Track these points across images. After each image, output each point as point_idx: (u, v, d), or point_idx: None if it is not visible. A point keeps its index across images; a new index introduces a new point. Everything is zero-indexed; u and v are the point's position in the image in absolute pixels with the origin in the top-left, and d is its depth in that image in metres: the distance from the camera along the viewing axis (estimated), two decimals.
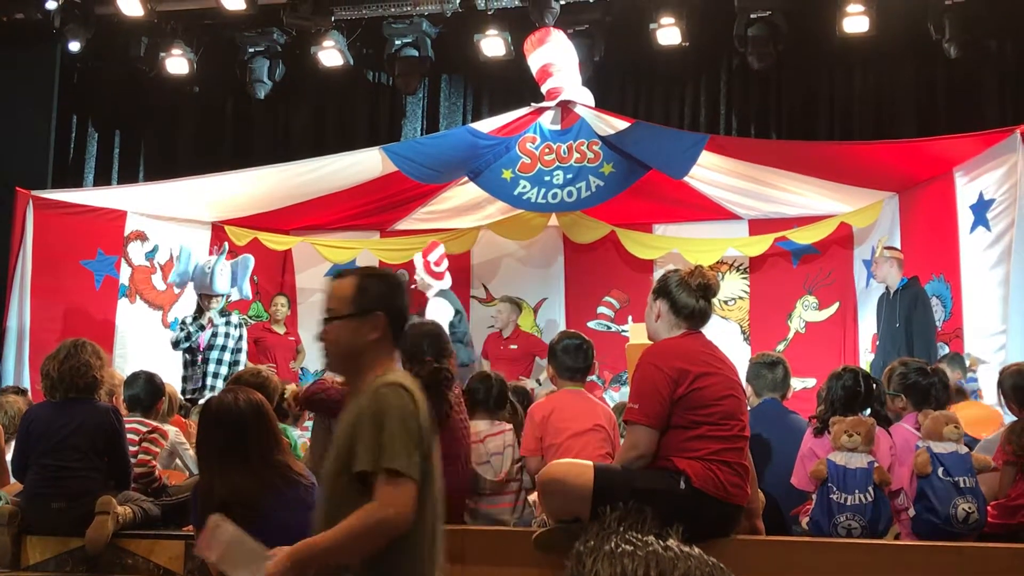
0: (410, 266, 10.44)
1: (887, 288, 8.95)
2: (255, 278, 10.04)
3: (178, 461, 6.80)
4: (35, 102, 11.94)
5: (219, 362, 8.83)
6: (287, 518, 3.67)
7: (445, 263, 10.04)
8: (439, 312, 9.60)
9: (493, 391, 5.69)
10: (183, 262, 9.61)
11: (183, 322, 9.28)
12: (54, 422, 5.57)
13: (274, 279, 11.73)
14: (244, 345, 9.23)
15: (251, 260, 9.75)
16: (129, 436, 6.02)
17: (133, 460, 6.06)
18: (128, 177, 12.70)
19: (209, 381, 8.71)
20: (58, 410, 5.62)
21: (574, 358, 5.65)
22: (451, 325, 9.46)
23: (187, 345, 8.97)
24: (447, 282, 10.02)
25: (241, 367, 9.08)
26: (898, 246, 9.35)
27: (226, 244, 9.48)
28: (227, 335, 8.92)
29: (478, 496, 5.37)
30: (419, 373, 5.14)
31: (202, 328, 8.98)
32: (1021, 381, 5.51)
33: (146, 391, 6.50)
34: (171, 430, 6.74)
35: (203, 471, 3.97)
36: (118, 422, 5.71)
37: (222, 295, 9.17)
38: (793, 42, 10.93)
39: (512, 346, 10.58)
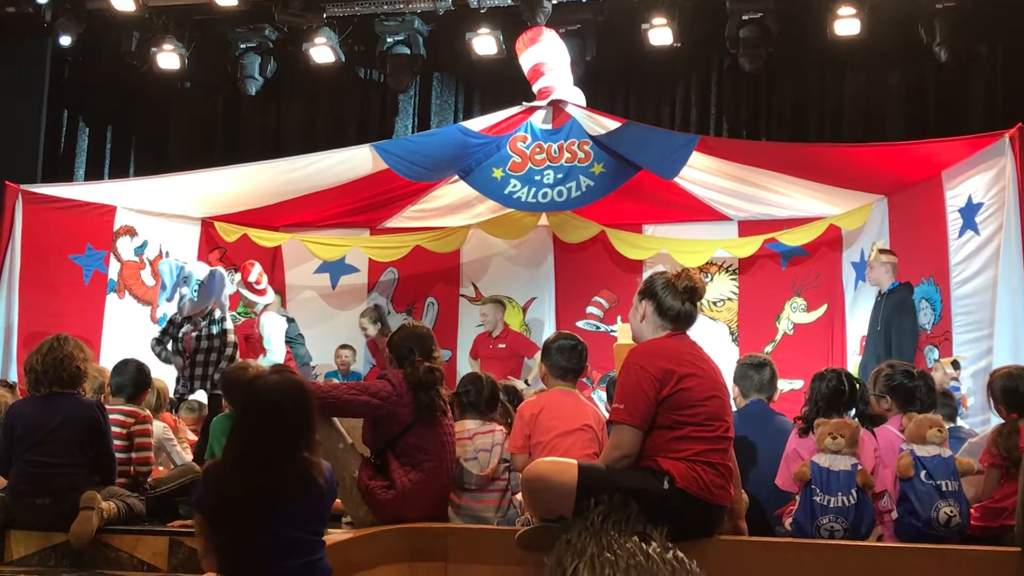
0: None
1: (879, 291, 9.01)
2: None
3: (165, 456, 6.80)
4: (26, 96, 11.94)
5: (206, 363, 8.75)
6: (301, 515, 3.62)
7: (264, 280, 10.12)
8: (273, 323, 10.00)
9: (484, 393, 5.73)
10: (167, 282, 9.52)
11: (164, 331, 9.06)
12: (38, 417, 5.56)
13: None
14: (231, 338, 9.09)
15: (223, 277, 9.59)
16: (116, 428, 6.02)
17: (139, 454, 6.09)
18: (119, 172, 12.70)
19: (198, 384, 8.65)
20: (42, 405, 5.61)
21: (568, 358, 5.67)
22: (288, 331, 10.09)
23: (160, 349, 8.83)
24: (270, 296, 10.19)
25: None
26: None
27: (192, 273, 9.29)
28: (210, 335, 8.84)
29: (463, 491, 5.40)
30: (412, 373, 5.18)
31: (179, 327, 8.83)
32: (1010, 384, 5.52)
33: (133, 380, 6.50)
34: (159, 426, 6.74)
35: (228, 451, 3.75)
36: (103, 417, 5.71)
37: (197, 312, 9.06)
38: (784, 44, 10.96)
39: (500, 345, 10.59)
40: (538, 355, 10.17)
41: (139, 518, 5.71)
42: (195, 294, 8.64)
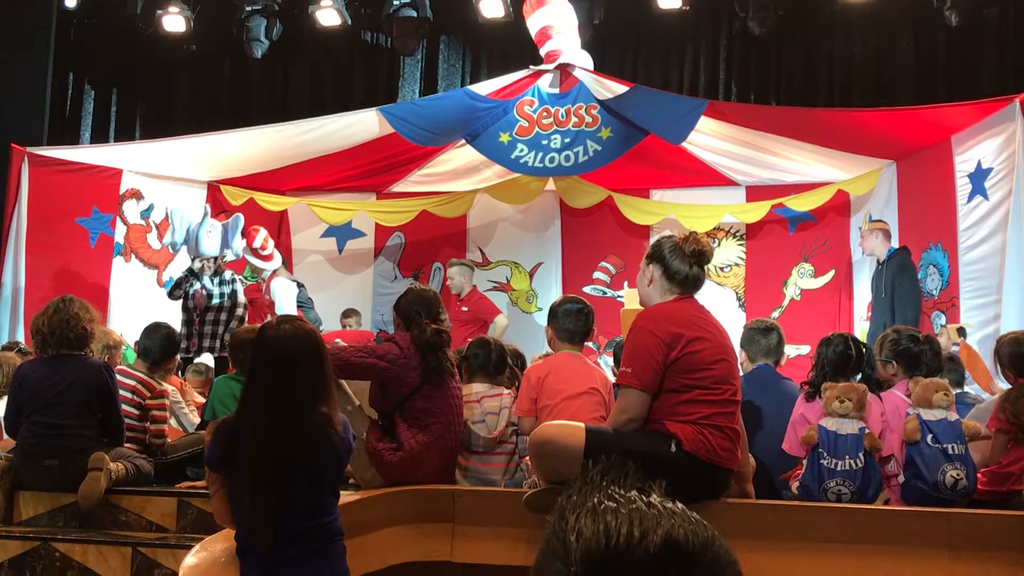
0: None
1: (877, 260, 9.05)
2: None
3: (173, 421, 6.82)
4: (31, 59, 11.87)
5: (216, 323, 8.79)
6: (318, 472, 3.54)
7: (270, 245, 10.03)
8: (284, 289, 9.87)
9: (492, 356, 5.74)
10: (177, 226, 9.55)
11: (178, 281, 9.08)
12: (46, 379, 5.58)
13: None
14: (242, 299, 9.12)
15: (241, 219, 9.68)
16: (129, 395, 6.04)
17: (155, 426, 6.11)
18: (125, 135, 12.68)
19: (207, 343, 8.67)
20: (50, 367, 5.63)
21: (574, 321, 5.66)
22: (298, 296, 9.98)
23: (180, 293, 8.83)
24: (277, 261, 10.10)
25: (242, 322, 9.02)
26: (895, 215, 9.39)
27: (207, 207, 9.38)
28: (221, 295, 8.88)
29: (470, 453, 5.41)
30: (420, 336, 5.18)
31: (197, 277, 8.84)
32: (1017, 349, 5.51)
33: (161, 346, 6.50)
34: (168, 389, 6.76)
35: (242, 406, 3.59)
36: (111, 378, 5.72)
37: (211, 256, 9.06)
38: (793, 8, 10.91)
39: (463, 308, 10.49)
40: (499, 317, 10.18)
41: (147, 479, 5.73)
42: (205, 235, 8.68)
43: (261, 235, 9.92)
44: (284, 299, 9.86)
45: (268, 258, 9.95)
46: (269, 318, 9.60)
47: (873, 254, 9.13)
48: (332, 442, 3.54)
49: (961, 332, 8.07)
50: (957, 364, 6.68)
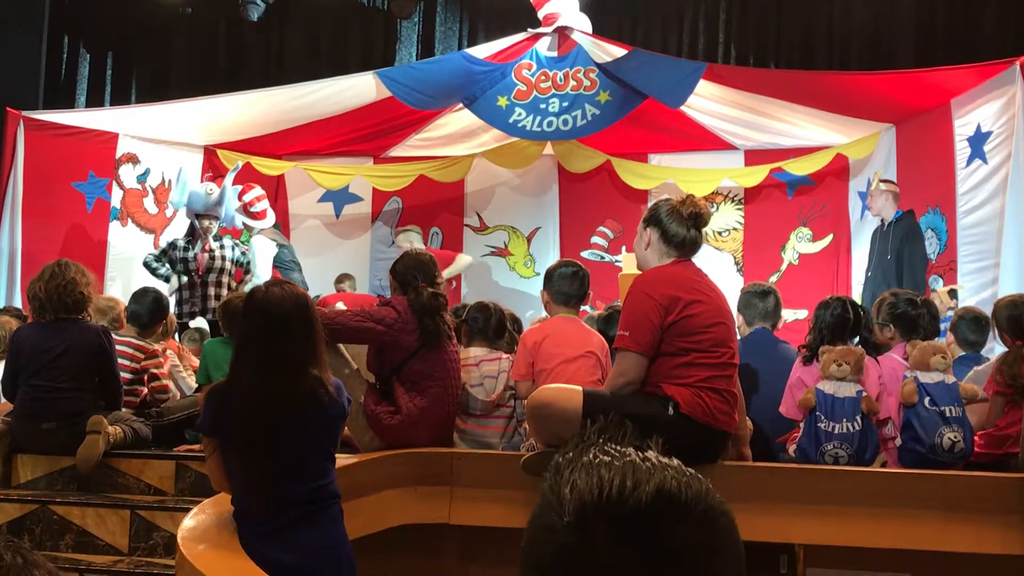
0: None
1: (882, 220, 8.99)
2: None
3: (171, 384, 6.82)
4: (26, 22, 11.79)
5: (219, 284, 8.80)
6: (311, 435, 3.50)
7: (262, 203, 9.95)
8: (259, 248, 9.80)
9: (492, 321, 5.75)
10: (181, 185, 9.50)
11: (164, 252, 8.94)
12: (44, 342, 5.58)
13: None
14: (248, 259, 9.15)
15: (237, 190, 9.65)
16: (125, 361, 6.04)
17: (156, 383, 6.13)
18: (120, 99, 12.60)
19: (211, 304, 8.68)
20: (48, 330, 5.63)
21: (570, 285, 5.65)
22: (276, 257, 9.90)
23: (156, 266, 8.77)
24: (269, 220, 10.01)
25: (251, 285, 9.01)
26: (894, 178, 9.35)
27: (239, 163, 9.38)
28: (223, 258, 8.88)
29: (468, 416, 5.43)
30: (416, 299, 5.17)
31: (191, 243, 8.82)
32: (1015, 312, 5.51)
33: (150, 309, 6.52)
34: (160, 350, 6.76)
35: (233, 370, 3.54)
36: (108, 343, 5.73)
37: (219, 219, 9.05)
38: None
39: None
40: (460, 256, 10.18)
41: (145, 443, 5.74)
42: (210, 196, 8.69)
43: (254, 192, 9.85)
44: (259, 257, 9.74)
45: (258, 216, 9.89)
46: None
47: (880, 215, 9.04)
48: (324, 404, 3.50)
49: (952, 294, 8.04)
50: (982, 327, 6.43)
